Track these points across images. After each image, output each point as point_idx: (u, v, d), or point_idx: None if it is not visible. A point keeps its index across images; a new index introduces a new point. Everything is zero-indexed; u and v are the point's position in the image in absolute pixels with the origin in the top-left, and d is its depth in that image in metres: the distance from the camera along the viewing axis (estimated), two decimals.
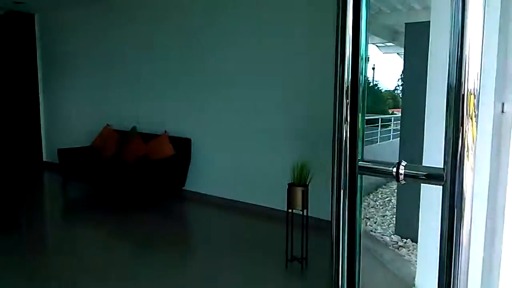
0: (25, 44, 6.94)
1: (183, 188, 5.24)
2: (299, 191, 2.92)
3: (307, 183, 2.99)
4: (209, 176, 5.14)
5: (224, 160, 4.97)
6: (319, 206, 4.14)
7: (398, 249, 3.47)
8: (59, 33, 6.89)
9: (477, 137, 0.55)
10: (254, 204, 4.74)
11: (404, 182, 0.62)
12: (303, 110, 4.27)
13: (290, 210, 3.02)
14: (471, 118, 0.54)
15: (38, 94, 7.24)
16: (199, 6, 5.03)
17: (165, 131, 5.21)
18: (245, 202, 4.82)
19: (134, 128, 5.53)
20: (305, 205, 2.95)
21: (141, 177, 4.55)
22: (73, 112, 6.83)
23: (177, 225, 4.43)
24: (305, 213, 3.00)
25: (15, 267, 3.24)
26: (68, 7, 6.47)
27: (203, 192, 5.21)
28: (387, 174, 0.64)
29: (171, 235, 4.00)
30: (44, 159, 7.37)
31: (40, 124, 7.29)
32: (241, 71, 4.72)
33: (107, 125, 5.87)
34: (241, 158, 4.82)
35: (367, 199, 5.64)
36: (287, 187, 2.99)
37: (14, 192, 3.85)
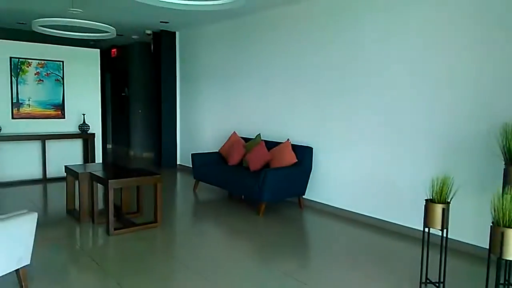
0: (168, 59, 7.82)
1: (303, 196, 5.23)
2: (438, 208, 2.62)
3: (449, 201, 2.67)
4: (330, 186, 5.03)
5: (347, 170, 4.81)
6: (461, 226, 3.69)
7: None
8: (194, 48, 7.59)
9: None
10: (381, 219, 4.46)
11: None
12: (446, 115, 3.88)
13: (426, 229, 2.73)
14: None
15: (176, 103, 8.06)
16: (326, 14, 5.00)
17: (288, 139, 5.28)
18: (369, 216, 4.58)
19: (258, 135, 5.73)
20: (445, 225, 2.64)
21: (264, 183, 4.67)
22: (205, 120, 7.42)
23: (296, 233, 4.42)
24: (444, 234, 2.68)
25: (152, 255, 3.61)
26: (204, 24, 7.10)
27: (324, 202, 5.12)
28: None
29: (289, 242, 4.00)
30: (179, 162, 8.16)
31: (176, 130, 8.09)
32: (369, 73, 4.53)
33: (234, 132, 6.21)
34: (367, 168, 4.60)
35: None
36: (424, 203, 2.72)
37: (154, 191, 4.29)
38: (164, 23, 7.16)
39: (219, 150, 6.22)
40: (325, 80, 5.05)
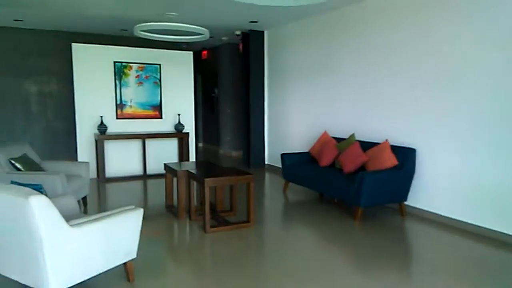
0: (256, 59, 7.84)
1: (405, 202, 4.80)
2: None
3: None
4: (436, 191, 4.54)
5: (458, 176, 4.29)
6: None
7: None
8: (282, 47, 7.49)
9: None
10: (495, 230, 3.90)
11: None
12: None
13: None
14: None
15: (264, 102, 8.06)
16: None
17: (386, 140, 4.90)
18: (481, 227, 4.03)
19: (352, 135, 5.43)
20: None
21: (361, 187, 4.37)
22: (293, 120, 7.29)
23: (397, 242, 4.04)
24: None
25: (246, 255, 3.56)
26: (291, 21, 6.96)
27: (429, 210, 4.65)
28: None
29: (389, 252, 3.66)
30: (266, 162, 8.15)
31: (264, 130, 8.09)
32: (481, 66, 3.98)
33: (325, 132, 5.97)
34: (481, 173, 4.05)
35: None
36: None
37: (247, 191, 4.25)
38: (253, 23, 7.18)
39: (309, 150, 6.04)
40: (427, 71, 4.57)
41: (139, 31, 5.92)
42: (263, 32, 7.88)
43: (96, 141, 6.53)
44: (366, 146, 5.13)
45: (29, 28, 7.80)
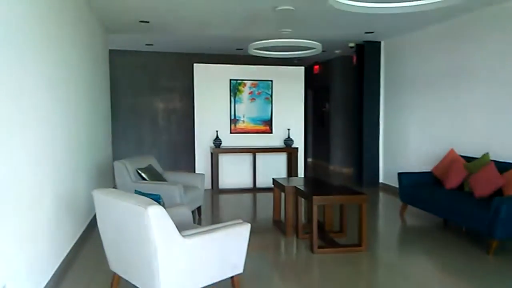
0: (371, 71, 7.46)
1: None
2: None
3: None
4: None
5: None
6: None
7: None
8: (400, 57, 6.98)
9: None
10: None
11: None
12: None
13: None
14: None
15: (379, 117, 7.59)
16: None
17: None
18: None
19: (486, 154, 4.70)
20: None
21: (498, 215, 3.71)
22: (411, 135, 6.68)
23: None
24: None
25: (356, 283, 3.26)
26: (411, 30, 6.44)
27: None
28: None
29: None
30: (381, 180, 7.62)
31: (378, 146, 7.60)
32: None
33: (452, 149, 5.31)
34: None
35: None
36: None
37: (359, 212, 3.96)
38: (369, 34, 6.84)
39: (431, 170, 5.43)
40: None
41: (253, 49, 6.11)
42: (379, 42, 7.47)
43: (211, 154, 6.90)
44: (504, 167, 4.39)
45: (157, 51, 8.73)
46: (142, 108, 8.84)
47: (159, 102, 8.91)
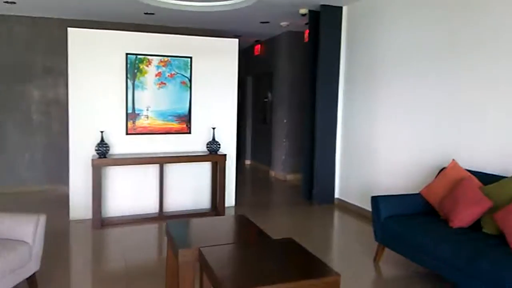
0: (329, 49, 5.45)
1: None
2: None
3: None
4: None
5: None
6: None
7: None
8: (371, 29, 5.03)
9: None
10: None
11: None
12: None
13: None
14: None
15: (337, 110, 5.63)
16: None
17: None
18: None
19: None
20: None
21: None
22: (382, 137, 4.78)
23: None
24: None
25: None
26: None
27: None
28: None
29: None
30: (337, 195, 5.69)
31: (335, 149, 5.64)
32: None
33: (453, 161, 3.44)
34: None
35: None
36: None
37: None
38: None
39: (421, 192, 3.54)
40: None
41: None
42: (340, 8, 5.46)
43: (93, 167, 4.50)
44: None
45: (26, 15, 6.09)
46: (5, 98, 6.16)
47: (33, 90, 6.27)
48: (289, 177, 7.51)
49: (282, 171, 7.60)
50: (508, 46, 3.26)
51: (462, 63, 3.69)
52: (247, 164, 9.36)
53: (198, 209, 5.16)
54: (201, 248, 2.18)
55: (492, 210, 2.90)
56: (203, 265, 2.13)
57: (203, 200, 5.27)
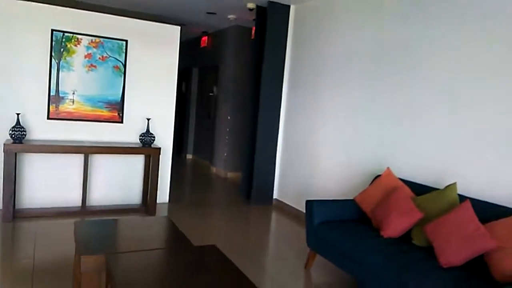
0: (274, 46, 5.29)
1: None
2: None
3: None
4: None
5: None
6: None
7: None
8: (318, 29, 4.93)
9: None
10: None
11: None
12: None
13: None
14: None
15: (280, 109, 5.50)
16: None
17: None
18: None
19: (453, 185, 2.85)
20: None
21: None
22: (325, 139, 4.71)
23: None
24: None
25: None
26: None
27: None
28: None
29: None
30: (275, 196, 5.57)
31: (276, 148, 5.52)
32: None
33: (388, 169, 3.41)
34: None
35: None
36: None
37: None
38: None
39: (354, 198, 3.48)
40: None
41: None
42: (288, 7, 5.33)
43: (4, 152, 3.97)
44: (486, 211, 2.58)
45: None
46: None
47: None
48: (230, 174, 7.31)
49: (223, 168, 7.37)
50: (448, 52, 3.27)
51: (405, 69, 3.68)
52: (189, 159, 9.02)
53: (127, 205, 4.78)
54: (107, 255, 1.89)
55: (422, 222, 2.88)
56: (109, 274, 1.84)
57: (134, 196, 4.90)
